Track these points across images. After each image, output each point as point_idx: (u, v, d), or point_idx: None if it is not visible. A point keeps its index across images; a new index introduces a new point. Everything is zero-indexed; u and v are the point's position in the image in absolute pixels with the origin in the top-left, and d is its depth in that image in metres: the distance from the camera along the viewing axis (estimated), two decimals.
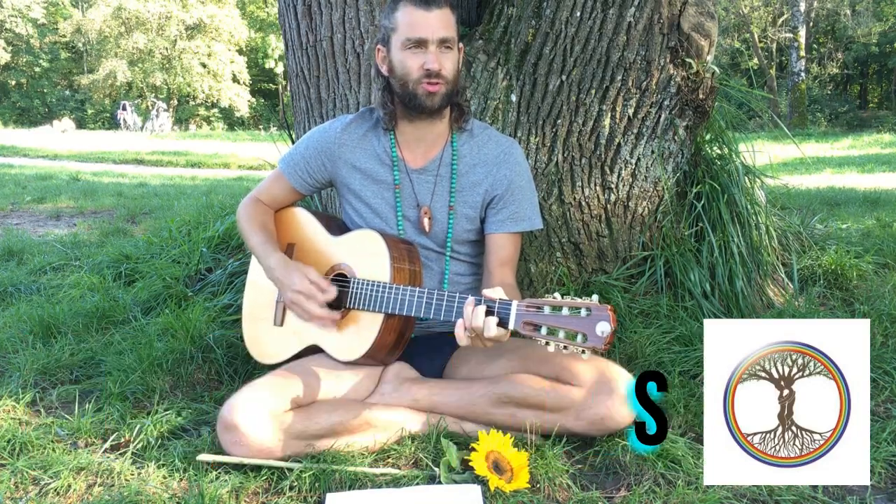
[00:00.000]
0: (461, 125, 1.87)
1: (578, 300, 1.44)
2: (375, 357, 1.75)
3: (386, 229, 1.85)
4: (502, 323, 1.50)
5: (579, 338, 1.42)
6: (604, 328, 1.40)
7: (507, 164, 1.87)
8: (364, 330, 1.72)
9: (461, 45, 1.83)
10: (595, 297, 1.44)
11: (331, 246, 1.86)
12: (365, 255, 1.77)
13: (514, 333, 1.53)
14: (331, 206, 2.60)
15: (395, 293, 1.67)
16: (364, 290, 1.72)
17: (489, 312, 1.50)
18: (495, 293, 1.52)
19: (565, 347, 1.43)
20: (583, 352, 1.41)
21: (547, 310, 1.46)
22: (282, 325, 1.86)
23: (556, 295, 1.47)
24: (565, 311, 1.44)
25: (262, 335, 1.91)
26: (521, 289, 2.35)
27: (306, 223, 1.94)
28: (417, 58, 1.72)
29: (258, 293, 1.95)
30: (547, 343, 1.45)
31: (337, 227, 1.93)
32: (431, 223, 1.86)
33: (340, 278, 1.80)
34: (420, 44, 1.71)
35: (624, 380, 1.66)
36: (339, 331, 1.77)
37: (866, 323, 1.45)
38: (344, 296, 1.77)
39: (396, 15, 1.74)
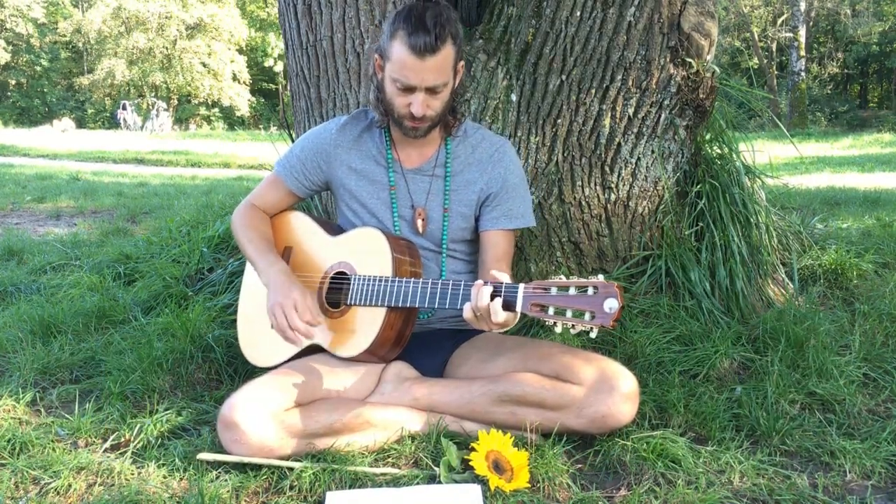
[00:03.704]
0: (451, 132, 1.86)
1: (584, 279, 1.46)
2: (376, 353, 1.75)
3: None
4: (510, 306, 1.50)
5: (587, 316, 1.43)
6: (612, 304, 1.41)
7: (501, 162, 1.87)
8: (366, 326, 1.73)
9: (461, 63, 1.78)
10: (601, 276, 1.45)
11: (329, 246, 1.86)
12: (366, 251, 1.77)
13: (523, 316, 1.53)
14: (332, 208, 2.59)
15: (399, 285, 1.68)
16: (366, 285, 1.73)
17: (496, 294, 1.52)
18: (502, 276, 1.53)
19: (573, 326, 1.43)
20: (591, 329, 1.42)
21: (554, 290, 1.47)
22: None
23: (562, 276, 1.49)
24: (572, 291, 1.45)
25: (260, 338, 1.91)
26: None
27: (303, 225, 1.94)
28: (405, 98, 1.71)
29: (255, 297, 1.94)
30: (554, 324, 1.45)
31: (335, 227, 1.93)
32: (425, 224, 1.86)
33: (340, 276, 1.80)
34: (408, 88, 1.69)
35: (625, 378, 1.67)
36: (339, 329, 1.77)
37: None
38: (344, 294, 1.77)
39: (393, 45, 1.68)
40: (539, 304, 1.48)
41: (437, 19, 1.65)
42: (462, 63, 1.79)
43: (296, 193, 1.95)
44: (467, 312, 1.55)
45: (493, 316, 1.50)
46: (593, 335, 1.44)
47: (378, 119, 1.83)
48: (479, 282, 1.55)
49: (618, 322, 1.45)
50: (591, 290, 1.43)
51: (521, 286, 1.51)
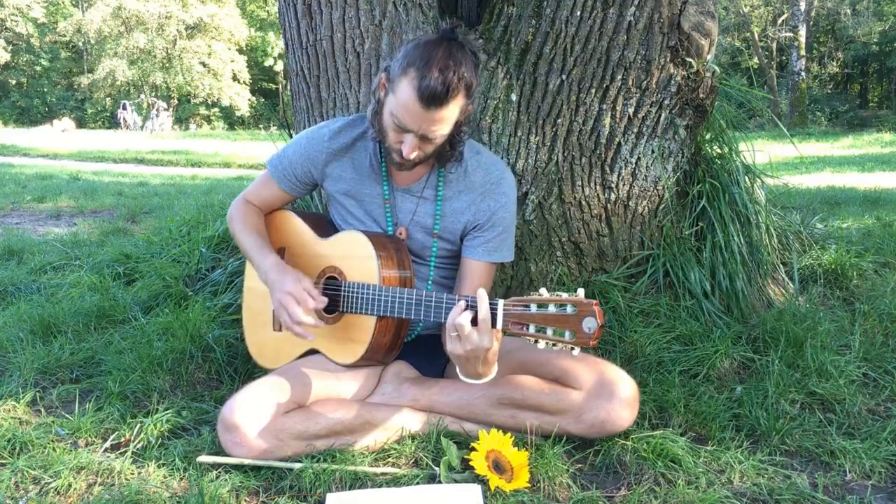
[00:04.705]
0: (445, 165, 1.79)
1: (564, 296, 1.44)
2: (373, 358, 1.75)
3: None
4: (492, 322, 1.50)
5: (567, 335, 1.41)
6: (590, 324, 1.40)
7: (493, 196, 1.80)
8: (359, 333, 1.72)
9: (470, 105, 1.66)
10: (580, 292, 1.43)
11: (320, 249, 1.85)
12: (353, 257, 1.75)
13: (504, 334, 1.53)
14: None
15: (385, 295, 1.67)
16: (355, 293, 1.71)
17: (469, 308, 1.51)
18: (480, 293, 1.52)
19: (555, 344, 1.43)
20: (572, 348, 1.42)
21: (533, 308, 1.46)
22: (280, 330, 1.86)
23: (543, 291, 1.47)
24: (552, 309, 1.44)
25: (263, 340, 1.92)
26: (521, 288, 2.36)
27: (295, 226, 1.92)
28: (398, 135, 1.64)
29: (255, 299, 1.94)
30: (536, 341, 1.45)
31: (326, 226, 1.92)
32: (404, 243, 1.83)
33: (332, 282, 1.80)
34: (404, 129, 1.62)
35: (624, 383, 1.66)
36: (335, 335, 1.76)
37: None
38: (337, 300, 1.76)
39: (401, 82, 1.58)
40: (519, 322, 1.46)
41: (456, 70, 1.54)
42: (471, 105, 1.68)
43: (289, 193, 1.94)
44: (444, 335, 1.54)
45: (459, 321, 1.49)
46: (575, 353, 1.43)
47: (373, 133, 1.76)
48: (462, 302, 1.53)
49: (598, 340, 1.44)
50: (570, 309, 1.42)
51: (501, 302, 1.49)
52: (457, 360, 1.57)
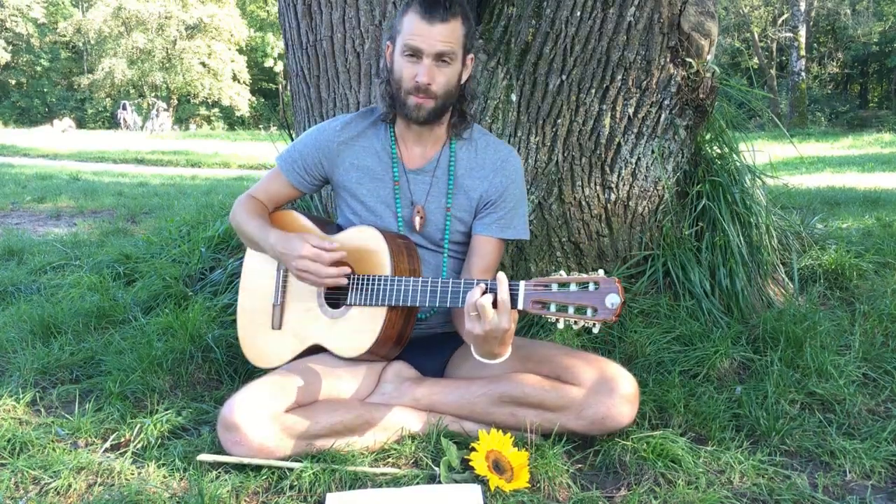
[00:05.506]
0: (459, 133, 1.86)
1: (585, 275, 1.48)
2: (379, 352, 1.75)
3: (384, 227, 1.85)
4: (511, 303, 1.52)
5: (589, 312, 1.45)
6: (613, 300, 1.43)
7: (504, 171, 1.86)
8: (367, 326, 1.72)
9: (470, 56, 1.80)
10: (601, 272, 1.47)
11: None
12: (363, 251, 1.76)
13: (524, 314, 1.55)
14: (332, 208, 2.59)
15: (398, 284, 1.68)
16: (365, 285, 1.72)
17: (490, 291, 1.53)
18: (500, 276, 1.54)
19: (576, 322, 1.45)
20: (594, 325, 1.45)
21: (555, 287, 1.49)
22: (280, 328, 1.86)
23: (562, 272, 1.51)
24: (573, 287, 1.47)
25: (261, 340, 1.90)
26: None
27: (300, 224, 1.92)
28: (412, 68, 1.72)
29: (252, 299, 1.94)
30: (557, 320, 1.47)
31: (330, 227, 1.93)
32: (423, 222, 1.85)
33: None
34: (416, 54, 1.71)
35: (625, 380, 1.67)
36: (341, 328, 1.77)
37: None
38: (343, 294, 1.77)
39: (404, 19, 1.72)
40: (540, 301, 1.49)
41: None
42: (471, 57, 1.80)
43: (297, 188, 1.94)
44: (466, 322, 1.55)
45: (482, 302, 1.51)
46: (596, 330, 1.46)
47: (384, 111, 1.83)
48: (482, 284, 1.56)
49: (619, 317, 1.47)
50: (591, 286, 1.45)
51: (522, 283, 1.52)
52: (474, 340, 1.59)
